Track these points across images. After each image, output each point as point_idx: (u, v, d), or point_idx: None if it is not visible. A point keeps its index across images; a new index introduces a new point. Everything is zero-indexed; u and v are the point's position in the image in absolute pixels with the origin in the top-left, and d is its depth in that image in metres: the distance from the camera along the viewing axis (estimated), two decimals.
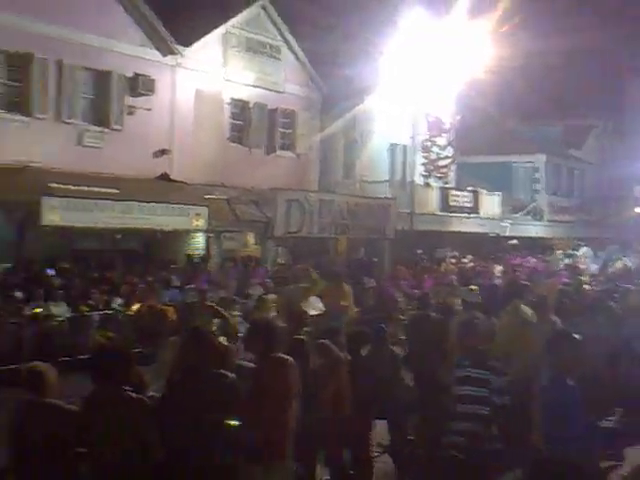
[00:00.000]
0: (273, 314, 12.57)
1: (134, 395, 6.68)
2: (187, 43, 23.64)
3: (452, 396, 7.96)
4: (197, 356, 7.00)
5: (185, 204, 20.65)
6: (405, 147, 32.08)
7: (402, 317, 16.46)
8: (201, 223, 20.95)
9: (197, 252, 23.59)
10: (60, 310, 16.72)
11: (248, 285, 20.39)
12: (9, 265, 18.33)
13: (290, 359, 7.25)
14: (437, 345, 10.55)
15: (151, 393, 7.23)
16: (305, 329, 9.57)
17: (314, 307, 15.14)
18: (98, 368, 6.79)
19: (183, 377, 6.99)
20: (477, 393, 7.68)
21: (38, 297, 16.88)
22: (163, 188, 21.70)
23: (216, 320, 10.33)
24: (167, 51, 23.12)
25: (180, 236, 23.00)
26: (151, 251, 22.52)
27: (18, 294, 16.68)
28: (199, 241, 23.74)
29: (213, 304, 11.48)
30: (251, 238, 25.12)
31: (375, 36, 27.87)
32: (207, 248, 23.61)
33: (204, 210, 20.82)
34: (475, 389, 7.71)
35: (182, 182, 22.45)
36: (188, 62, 23.80)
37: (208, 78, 24.45)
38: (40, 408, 6.68)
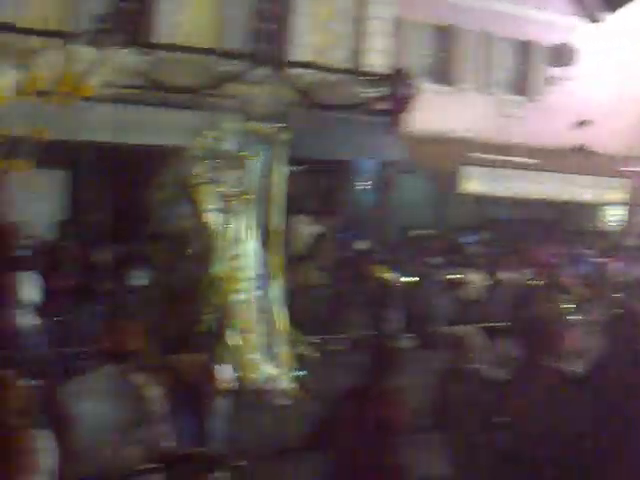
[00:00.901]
0: None
1: (561, 368, 6.52)
2: (611, 9, 22.79)
3: None
4: (630, 334, 6.70)
5: (604, 176, 20.13)
6: None
7: None
8: (620, 196, 20.32)
9: (613, 226, 22.91)
10: (477, 278, 17.06)
11: None
12: (431, 232, 19.07)
13: None
14: None
15: (571, 368, 7.00)
16: None
17: None
18: (527, 338, 6.71)
19: (608, 356, 6.73)
20: None
21: (455, 264, 17.36)
22: (581, 159, 21.27)
23: None
24: (591, 19, 22.51)
25: (594, 208, 22.50)
26: (562, 222, 22.23)
27: (436, 260, 17.27)
28: (615, 214, 23.02)
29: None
30: None
31: None
32: (625, 222, 22.82)
33: (624, 183, 20.17)
34: None
35: (601, 154, 21.85)
36: (611, 29, 22.96)
37: (632, 45, 23.41)
38: (462, 373, 6.85)
